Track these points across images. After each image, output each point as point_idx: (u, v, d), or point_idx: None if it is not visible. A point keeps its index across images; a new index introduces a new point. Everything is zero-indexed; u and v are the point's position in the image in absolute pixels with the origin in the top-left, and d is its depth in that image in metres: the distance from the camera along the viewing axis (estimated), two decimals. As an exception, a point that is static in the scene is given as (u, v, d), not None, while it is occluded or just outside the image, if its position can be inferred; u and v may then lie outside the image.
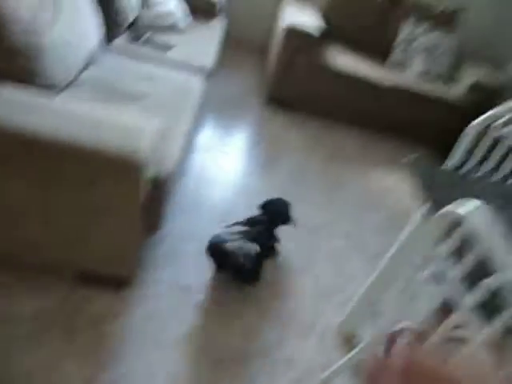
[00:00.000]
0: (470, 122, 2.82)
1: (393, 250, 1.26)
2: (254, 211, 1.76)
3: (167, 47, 2.14)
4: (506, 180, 1.41)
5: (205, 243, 1.54)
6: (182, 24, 2.38)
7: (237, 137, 2.53)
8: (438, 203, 0.98)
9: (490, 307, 0.71)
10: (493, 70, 3.16)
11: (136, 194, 1.20)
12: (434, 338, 0.77)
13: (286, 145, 2.59)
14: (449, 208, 0.80)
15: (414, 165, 1.11)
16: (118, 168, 1.16)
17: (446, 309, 0.81)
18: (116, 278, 1.42)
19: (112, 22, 2.01)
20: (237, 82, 3.09)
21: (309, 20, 2.76)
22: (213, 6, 2.70)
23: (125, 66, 1.87)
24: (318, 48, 2.69)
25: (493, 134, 1.36)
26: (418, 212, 1.11)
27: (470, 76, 2.92)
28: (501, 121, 1.33)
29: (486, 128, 1.42)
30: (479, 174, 1.47)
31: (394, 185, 2.58)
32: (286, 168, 2.38)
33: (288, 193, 2.16)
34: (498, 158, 1.42)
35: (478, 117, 2.79)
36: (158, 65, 1.96)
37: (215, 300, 1.57)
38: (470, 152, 1.44)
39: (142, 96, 1.66)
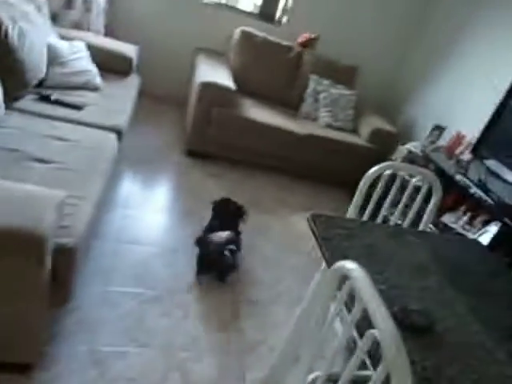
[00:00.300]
0: (374, 164, 3.14)
1: (305, 299, 1.33)
2: (175, 271, 1.75)
3: (79, 106, 2.12)
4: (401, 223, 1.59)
5: (122, 308, 1.49)
6: (94, 82, 2.38)
7: (156, 192, 2.52)
8: (332, 258, 1.07)
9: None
10: (388, 119, 3.59)
11: (41, 270, 1.13)
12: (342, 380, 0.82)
13: (206, 196, 2.63)
14: (338, 264, 0.88)
15: (312, 221, 1.22)
16: (19, 243, 1.10)
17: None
18: (23, 363, 1.30)
19: (15, 82, 1.95)
20: (156, 136, 3.12)
21: (223, 75, 2.93)
22: (128, 62, 2.75)
23: (31, 127, 1.81)
24: (233, 101, 2.84)
25: (384, 181, 1.53)
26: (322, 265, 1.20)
27: (369, 124, 3.28)
28: (389, 172, 1.52)
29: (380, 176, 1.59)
30: (379, 218, 1.64)
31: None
32: (207, 219, 2.41)
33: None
34: (389, 202, 1.60)
35: (380, 158, 3.13)
36: (68, 125, 1.93)
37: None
38: (367, 199, 1.60)
39: (50, 159, 1.61)
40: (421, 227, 1.65)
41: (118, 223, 2.12)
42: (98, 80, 2.40)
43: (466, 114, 3.04)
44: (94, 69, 2.41)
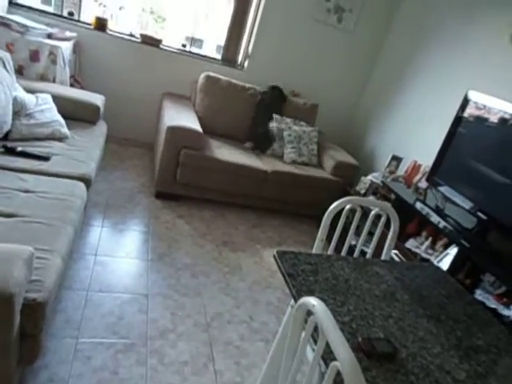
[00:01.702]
0: (340, 195, 3.26)
1: (277, 336, 1.36)
2: (147, 316, 1.73)
3: (45, 157, 2.14)
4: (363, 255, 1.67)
5: (95, 360, 1.46)
6: (61, 132, 2.41)
7: (126, 237, 2.52)
8: (298, 294, 1.13)
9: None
10: (350, 152, 3.79)
11: (9, 328, 1.12)
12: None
13: (178, 237, 2.66)
14: (302, 300, 0.94)
15: (279, 258, 1.28)
16: (-15, 302, 1.09)
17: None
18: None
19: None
20: (125, 180, 3.15)
21: (189, 118, 3.03)
22: (94, 111, 2.80)
23: (-4, 181, 1.81)
24: (200, 143, 2.93)
25: (346, 215, 1.62)
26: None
27: (332, 158, 3.44)
28: (348, 206, 1.61)
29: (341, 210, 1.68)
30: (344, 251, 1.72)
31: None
32: (180, 262, 2.43)
33: (184, 288, 2.20)
34: (352, 234, 1.69)
35: (345, 189, 3.26)
36: (35, 176, 1.93)
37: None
38: (330, 233, 1.68)
39: (17, 213, 1.61)
40: (383, 254, 1.74)
41: (88, 272, 2.10)
42: (64, 130, 2.43)
43: (419, 144, 3.26)
44: (60, 119, 2.45)
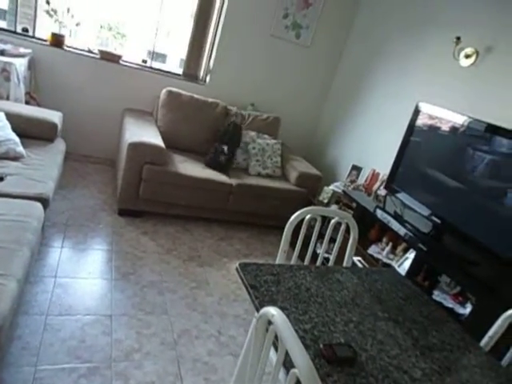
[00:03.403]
0: (304, 205, 3.33)
1: (243, 347, 1.37)
2: (111, 338, 1.69)
3: (-1, 178, 2.06)
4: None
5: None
6: (16, 151, 2.33)
7: (88, 256, 2.45)
8: (261, 305, 1.15)
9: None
10: (313, 163, 3.89)
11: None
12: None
13: (142, 254, 2.61)
14: (262, 311, 0.95)
15: (241, 270, 1.29)
16: None
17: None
18: None
19: None
20: (86, 198, 3.07)
21: (151, 134, 3.01)
22: (51, 128, 2.73)
23: None
24: (163, 158, 2.91)
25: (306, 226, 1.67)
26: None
27: (296, 169, 3.51)
28: (309, 216, 1.65)
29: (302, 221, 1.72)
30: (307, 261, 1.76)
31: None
32: (145, 279, 2.38)
33: (150, 306, 2.16)
34: (314, 242, 1.73)
35: (309, 199, 3.33)
36: (-13, 198, 1.86)
37: None
38: (295, 242, 1.71)
39: (-33, 237, 1.53)
40: (345, 261, 1.79)
41: (47, 295, 2.02)
42: (19, 149, 2.35)
43: (377, 153, 3.40)
44: (14, 138, 2.37)
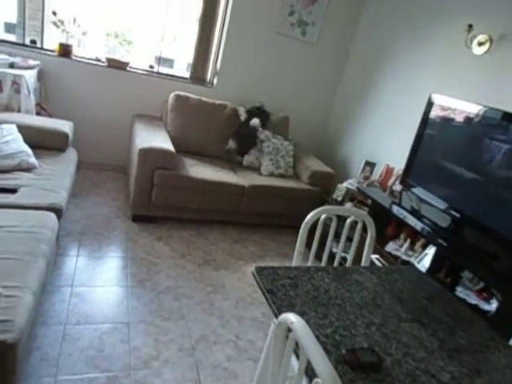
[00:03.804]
0: (318, 204, 3.29)
1: (262, 354, 1.34)
2: (129, 346, 1.67)
3: (13, 189, 2.07)
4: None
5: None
6: (28, 162, 2.34)
7: (104, 264, 2.45)
8: (279, 310, 1.11)
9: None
10: (325, 161, 3.83)
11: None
12: None
13: (157, 260, 2.60)
14: (281, 317, 0.92)
15: (257, 275, 1.26)
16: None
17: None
18: None
19: None
20: (99, 205, 3.08)
21: (161, 138, 3.01)
22: (63, 138, 2.74)
23: (-40, 218, 1.74)
24: (174, 163, 2.90)
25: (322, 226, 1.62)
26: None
27: (308, 168, 3.47)
28: (324, 216, 1.61)
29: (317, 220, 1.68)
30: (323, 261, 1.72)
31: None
32: (161, 285, 2.37)
33: (166, 312, 2.14)
34: (330, 242, 1.69)
35: (322, 198, 3.28)
36: (3, 210, 1.86)
37: None
38: (311, 242, 1.67)
39: (-17, 250, 1.54)
40: (363, 260, 1.74)
41: (64, 304, 2.02)
42: (32, 160, 2.37)
43: (391, 148, 3.33)
44: (26, 149, 2.39)
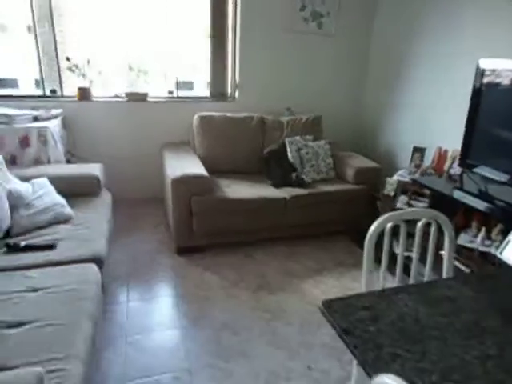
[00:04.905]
0: (367, 203, 3.01)
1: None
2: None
3: (51, 245, 1.99)
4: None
5: None
6: (64, 214, 2.27)
7: (155, 306, 2.32)
8: (364, 357, 0.89)
9: None
10: (367, 156, 3.55)
11: None
12: None
13: (209, 293, 2.44)
14: (377, 381, 0.71)
15: (326, 311, 1.05)
16: None
17: None
18: None
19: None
20: (141, 243, 2.99)
21: (192, 164, 2.88)
22: (95, 182, 2.68)
23: (1, 286, 1.66)
24: (209, 187, 2.75)
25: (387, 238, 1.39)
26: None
27: (351, 166, 3.20)
28: (390, 225, 1.37)
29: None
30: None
31: (328, 289, 2.53)
32: (217, 321, 2.20)
33: (227, 351, 1.97)
34: (402, 252, 1.44)
35: (371, 196, 3.01)
36: (43, 270, 1.78)
37: None
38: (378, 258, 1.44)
39: (25, 319, 1.43)
40: (444, 268, 1.48)
41: (120, 358, 1.89)
42: (67, 210, 2.30)
43: (439, 129, 3.01)
44: (60, 201, 2.32)
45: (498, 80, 2.23)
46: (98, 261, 1.94)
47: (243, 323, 2.19)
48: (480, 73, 2.31)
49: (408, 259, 1.66)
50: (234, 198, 2.79)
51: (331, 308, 1.07)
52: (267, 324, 2.20)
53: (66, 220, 2.27)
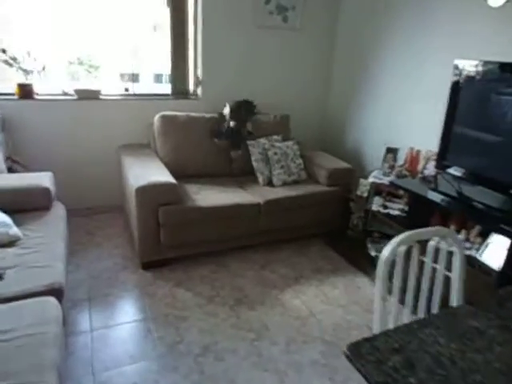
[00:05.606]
0: (341, 204, 2.92)
1: None
2: None
3: (-4, 276, 1.67)
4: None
5: None
6: (10, 235, 1.94)
7: (124, 334, 2.05)
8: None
9: None
10: (338, 156, 3.47)
11: None
12: None
13: (183, 313, 2.22)
14: None
15: (356, 360, 0.90)
16: None
17: None
18: None
19: None
20: (103, 258, 2.69)
21: (156, 170, 2.63)
22: (44, 194, 2.33)
23: None
24: (177, 195, 2.51)
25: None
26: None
27: (323, 167, 3.10)
28: (404, 249, 1.25)
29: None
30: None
31: (309, 300, 2.41)
32: (197, 345, 1.99)
33: (212, 380, 1.78)
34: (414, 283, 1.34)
35: (345, 196, 2.94)
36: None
37: None
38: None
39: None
40: (454, 293, 1.38)
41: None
42: (13, 231, 1.96)
43: (411, 129, 2.99)
44: (4, 219, 1.98)
45: (472, 81, 2.21)
46: (56, 292, 1.65)
47: (225, 345, 2.01)
48: (457, 73, 2.28)
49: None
50: (205, 206, 2.58)
51: (359, 355, 0.93)
52: (251, 344, 2.03)
53: (11, 242, 1.93)
